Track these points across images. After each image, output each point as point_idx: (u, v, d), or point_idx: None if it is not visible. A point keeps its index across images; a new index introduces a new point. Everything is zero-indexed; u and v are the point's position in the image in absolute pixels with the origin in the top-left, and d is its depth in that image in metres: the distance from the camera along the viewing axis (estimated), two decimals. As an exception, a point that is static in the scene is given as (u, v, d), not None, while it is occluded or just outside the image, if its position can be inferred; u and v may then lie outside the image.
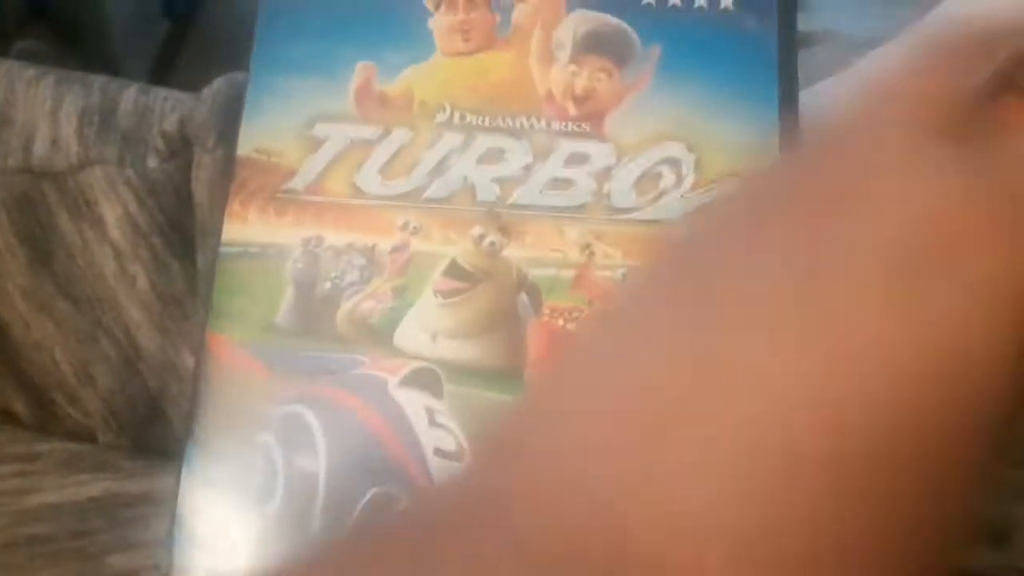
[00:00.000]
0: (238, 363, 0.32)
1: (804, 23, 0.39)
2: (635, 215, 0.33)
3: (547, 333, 0.32)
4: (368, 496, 0.30)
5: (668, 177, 0.34)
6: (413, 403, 0.31)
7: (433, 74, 0.36)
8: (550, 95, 0.35)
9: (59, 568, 0.40)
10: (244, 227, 0.33)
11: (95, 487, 0.43)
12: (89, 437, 0.44)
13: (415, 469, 0.31)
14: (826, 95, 0.36)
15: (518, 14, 0.36)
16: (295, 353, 0.32)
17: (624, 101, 0.35)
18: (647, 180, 0.34)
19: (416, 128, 0.34)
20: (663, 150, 0.34)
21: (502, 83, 0.35)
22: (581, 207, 0.33)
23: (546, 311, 0.32)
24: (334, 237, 0.33)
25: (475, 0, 0.36)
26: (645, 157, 0.34)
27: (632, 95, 0.35)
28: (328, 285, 0.33)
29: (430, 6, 0.36)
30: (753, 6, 0.36)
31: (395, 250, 0.33)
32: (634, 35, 0.36)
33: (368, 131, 0.35)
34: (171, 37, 1.20)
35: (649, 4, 0.36)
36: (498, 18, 0.36)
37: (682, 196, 0.33)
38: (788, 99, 0.34)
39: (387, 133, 0.34)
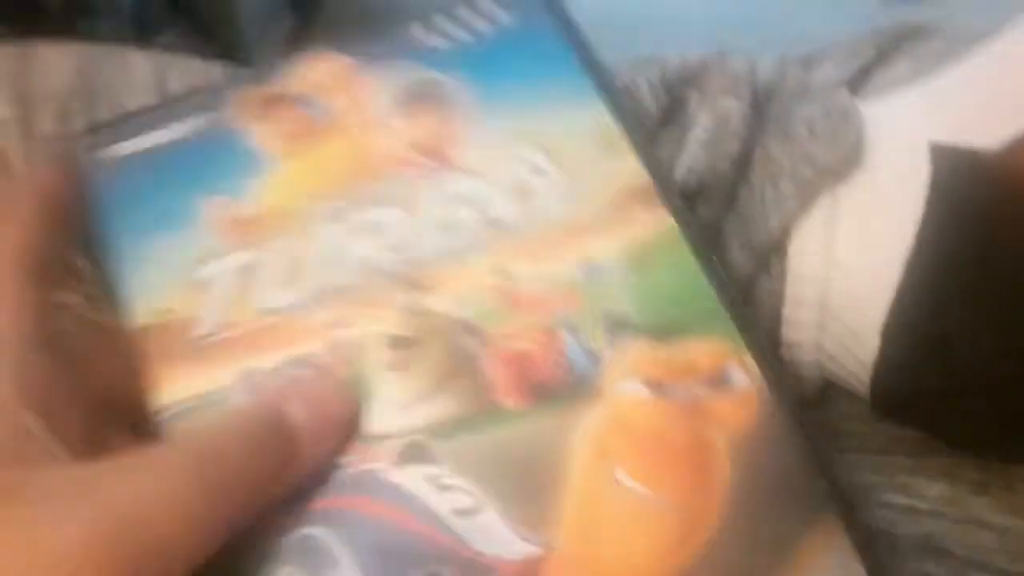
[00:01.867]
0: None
1: (916, 15, 0.43)
2: (526, 225, 0.34)
3: (506, 358, 0.32)
4: (416, 582, 0.29)
5: (534, 179, 0.35)
6: (414, 478, 0.31)
7: (283, 181, 0.36)
8: (397, 155, 0.36)
9: None
10: (174, 387, 0.32)
11: None
12: None
13: (443, 537, 0.30)
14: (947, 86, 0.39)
15: (323, 103, 0.37)
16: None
17: (460, 133, 0.36)
18: (517, 190, 0.35)
19: (291, 233, 0.34)
20: (516, 158, 0.35)
21: (348, 166, 0.36)
22: (478, 240, 0.34)
23: (497, 339, 0.33)
24: (266, 360, 0.32)
25: (281, 106, 0.37)
26: (501, 173, 0.35)
27: (463, 126, 0.36)
28: (281, 407, 0.32)
29: (242, 126, 0.37)
30: (522, 9, 0.38)
31: (331, 347, 0.33)
32: (437, 75, 0.37)
33: (245, 256, 0.34)
34: (297, 29, 1.44)
35: (435, 46, 0.38)
36: (310, 113, 0.37)
37: (554, 186, 0.35)
38: (601, 77, 0.37)
39: (266, 249, 0.34)
